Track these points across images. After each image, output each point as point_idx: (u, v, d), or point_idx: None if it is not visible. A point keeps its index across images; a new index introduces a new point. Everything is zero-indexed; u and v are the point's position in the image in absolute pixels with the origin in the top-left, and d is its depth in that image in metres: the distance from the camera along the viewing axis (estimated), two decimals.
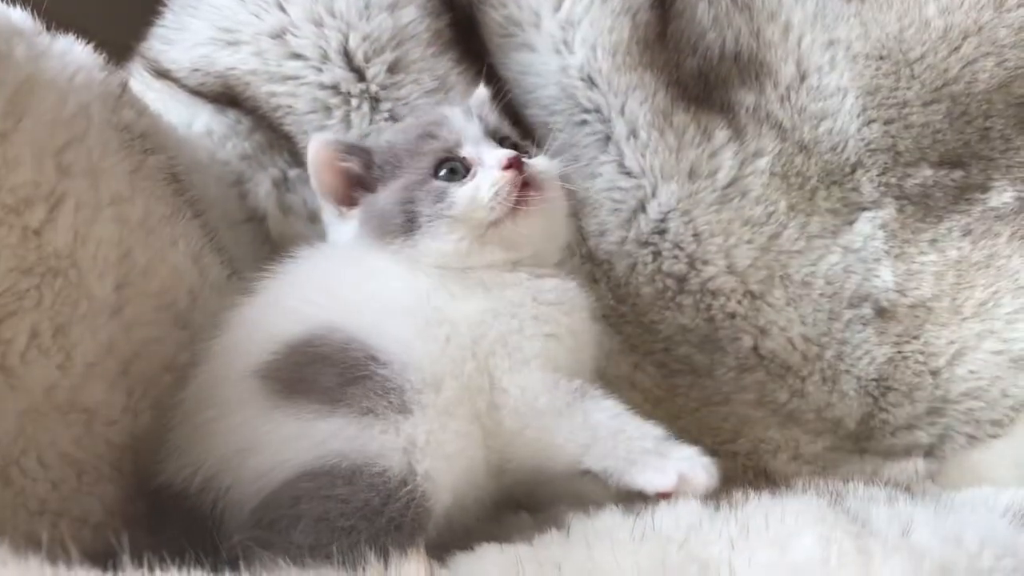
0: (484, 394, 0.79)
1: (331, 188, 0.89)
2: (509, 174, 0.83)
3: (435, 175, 0.85)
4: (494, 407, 0.79)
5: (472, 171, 0.84)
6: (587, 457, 0.78)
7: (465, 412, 0.77)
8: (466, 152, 0.86)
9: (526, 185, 0.83)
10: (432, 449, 0.72)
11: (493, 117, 0.93)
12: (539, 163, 0.87)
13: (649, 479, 0.76)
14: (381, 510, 0.68)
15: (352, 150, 0.89)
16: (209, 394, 0.75)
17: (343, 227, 0.89)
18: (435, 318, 0.79)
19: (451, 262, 0.83)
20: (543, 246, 0.88)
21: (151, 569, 0.55)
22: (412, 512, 0.69)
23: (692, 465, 0.76)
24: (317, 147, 0.88)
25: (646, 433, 0.79)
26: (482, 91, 0.98)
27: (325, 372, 0.72)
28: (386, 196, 0.86)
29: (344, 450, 0.69)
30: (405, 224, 0.83)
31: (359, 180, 0.88)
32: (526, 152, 0.88)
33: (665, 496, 0.75)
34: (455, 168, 0.85)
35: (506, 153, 0.84)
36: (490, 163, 0.84)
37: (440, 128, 0.88)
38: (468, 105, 0.93)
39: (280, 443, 0.70)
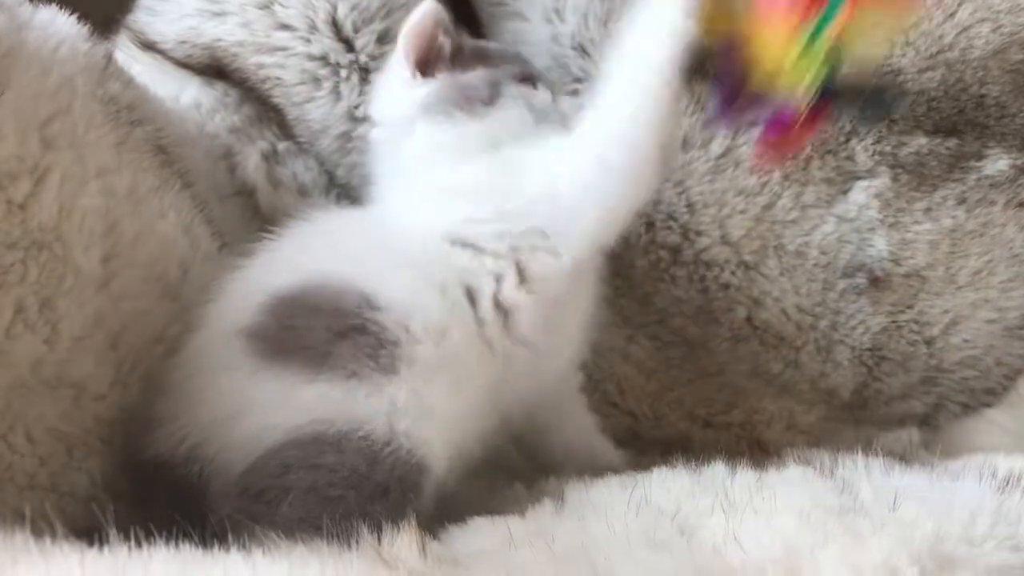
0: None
1: (418, 53, 0.87)
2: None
3: (524, 79, 0.88)
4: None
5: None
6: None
7: (465, 366, 0.75)
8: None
9: None
10: (415, 408, 0.71)
11: None
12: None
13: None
14: (368, 475, 0.67)
15: (453, 33, 0.89)
16: (197, 359, 0.75)
17: (408, 92, 0.87)
18: (442, 263, 0.78)
19: (520, 132, 0.84)
20: None
21: (138, 543, 0.54)
22: (398, 474, 0.68)
23: None
24: (425, 14, 0.86)
25: None
26: None
27: (314, 326, 0.71)
28: (473, 75, 0.87)
29: (330, 416, 0.68)
30: (489, 96, 0.85)
31: (440, 59, 0.88)
32: None
33: None
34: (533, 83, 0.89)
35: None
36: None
37: (526, 63, 0.93)
38: None
39: (265, 408, 0.69)
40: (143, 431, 0.74)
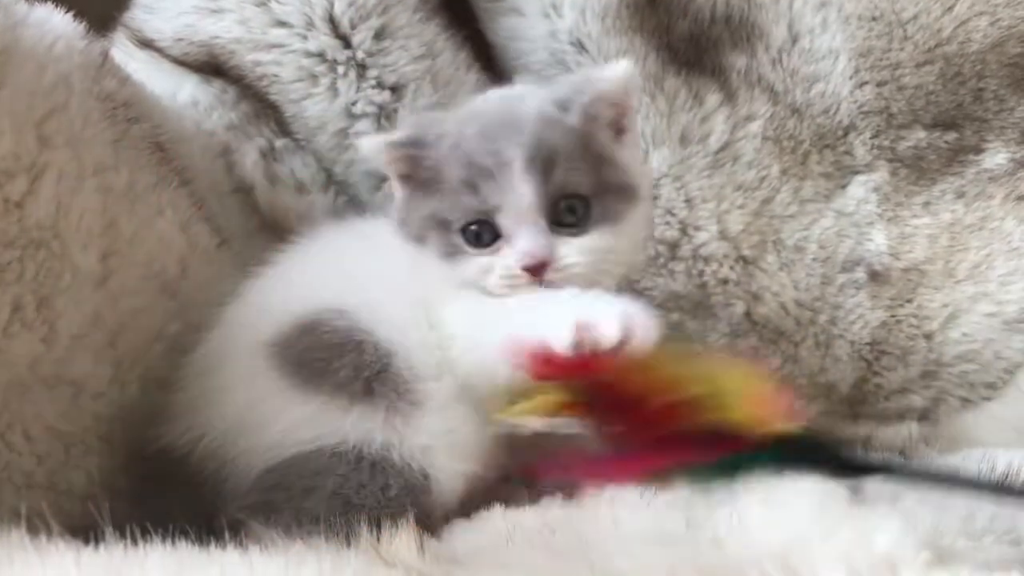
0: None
1: (392, 168, 0.81)
2: (524, 274, 0.74)
3: (462, 229, 0.76)
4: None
5: (499, 242, 0.75)
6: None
7: (469, 398, 0.76)
8: (501, 222, 0.74)
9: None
10: (447, 441, 0.73)
11: (566, 160, 0.75)
12: (573, 255, 0.74)
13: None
14: (395, 499, 0.69)
15: (404, 156, 0.79)
16: (218, 362, 0.75)
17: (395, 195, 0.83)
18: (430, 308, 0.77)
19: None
20: None
21: (135, 541, 0.54)
22: (424, 502, 0.70)
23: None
24: (373, 149, 0.81)
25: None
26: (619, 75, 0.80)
27: (338, 364, 0.71)
28: (415, 205, 0.79)
29: (366, 440, 0.70)
30: (417, 240, 0.78)
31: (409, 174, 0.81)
32: (579, 220, 0.75)
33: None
34: (480, 234, 0.75)
35: (533, 252, 0.73)
36: (516, 249, 0.74)
37: (486, 182, 0.74)
38: (543, 135, 0.75)
39: (295, 422, 0.70)
40: (151, 424, 0.75)
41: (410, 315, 0.76)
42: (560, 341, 0.62)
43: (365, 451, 0.69)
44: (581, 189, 0.75)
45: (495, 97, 0.84)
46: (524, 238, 0.73)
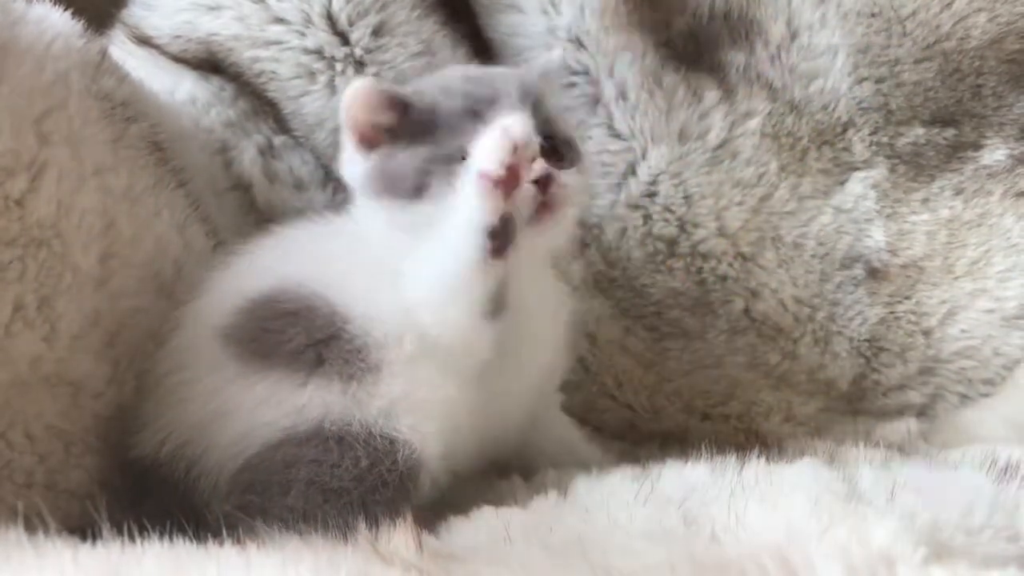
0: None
1: (358, 130, 0.81)
2: (532, 189, 0.75)
3: (463, 158, 0.76)
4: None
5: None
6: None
7: (431, 361, 0.75)
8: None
9: (543, 203, 0.77)
10: (413, 406, 0.72)
11: (552, 99, 0.85)
12: (568, 178, 0.79)
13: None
14: (370, 470, 0.69)
15: (393, 104, 0.81)
16: (178, 359, 0.75)
17: (351, 163, 0.83)
18: (392, 270, 0.77)
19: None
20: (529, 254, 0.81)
21: (132, 538, 0.55)
22: (401, 468, 0.70)
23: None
24: (358, 93, 0.80)
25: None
26: (555, 58, 0.91)
27: (292, 332, 0.72)
28: (405, 157, 0.79)
29: (325, 414, 0.70)
30: (413, 190, 0.78)
31: (380, 135, 0.82)
32: (563, 156, 0.81)
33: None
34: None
35: (540, 167, 0.76)
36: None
37: (488, 108, 0.78)
38: (528, 81, 0.82)
39: (254, 408, 0.70)
40: (130, 431, 0.75)
41: (366, 283, 0.75)
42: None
43: (327, 427, 0.69)
44: (558, 131, 0.82)
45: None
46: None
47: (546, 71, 0.87)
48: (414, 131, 0.80)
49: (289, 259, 0.79)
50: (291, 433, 0.69)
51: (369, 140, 0.82)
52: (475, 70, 0.89)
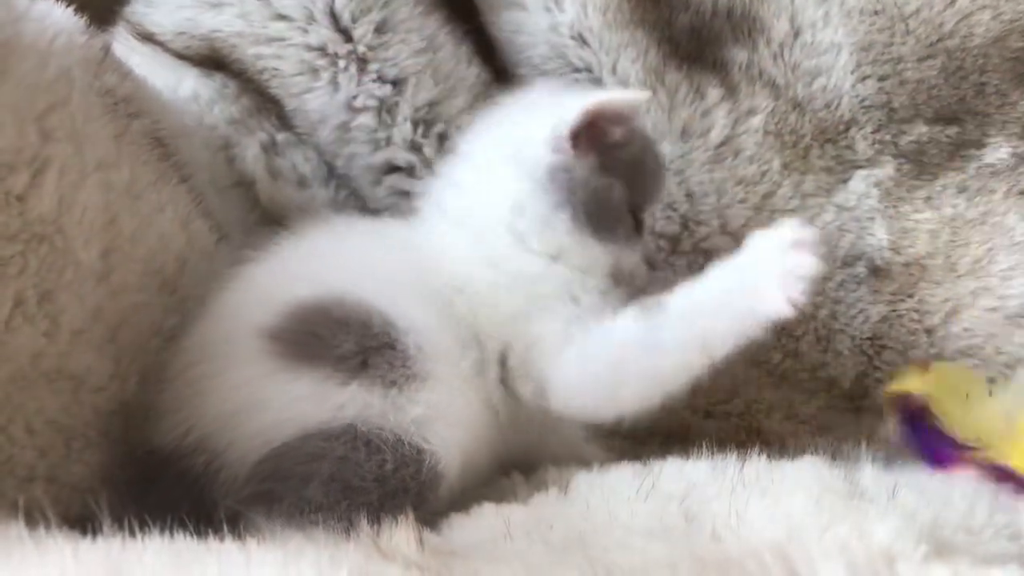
0: (495, 363, 0.80)
1: (584, 124, 0.83)
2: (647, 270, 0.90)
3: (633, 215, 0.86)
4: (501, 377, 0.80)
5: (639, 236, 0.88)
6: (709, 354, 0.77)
7: (474, 384, 0.78)
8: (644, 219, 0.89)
9: None
10: (446, 416, 0.73)
11: None
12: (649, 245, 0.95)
13: (765, 310, 0.74)
14: (393, 474, 0.69)
15: (628, 124, 0.86)
16: (206, 352, 0.75)
17: (537, 144, 0.84)
18: (452, 291, 0.80)
19: (581, 267, 0.83)
20: None
21: (132, 533, 0.55)
22: (423, 477, 0.70)
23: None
24: (618, 99, 0.85)
25: (724, 287, 0.78)
26: None
27: (342, 337, 0.72)
28: (606, 188, 0.84)
29: (361, 416, 0.70)
30: (600, 224, 0.83)
31: (594, 143, 0.84)
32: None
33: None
34: (638, 225, 0.88)
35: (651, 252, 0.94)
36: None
37: (654, 183, 0.91)
38: None
39: (289, 403, 0.70)
40: (145, 422, 0.75)
41: (425, 301, 0.77)
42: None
43: (359, 426, 0.69)
44: None
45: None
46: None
47: None
48: (620, 165, 0.85)
49: (340, 266, 0.79)
50: (323, 428, 0.69)
51: (578, 139, 0.83)
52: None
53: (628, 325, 0.78)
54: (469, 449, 0.76)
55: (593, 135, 0.83)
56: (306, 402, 0.70)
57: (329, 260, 0.80)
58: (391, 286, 0.77)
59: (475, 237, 0.83)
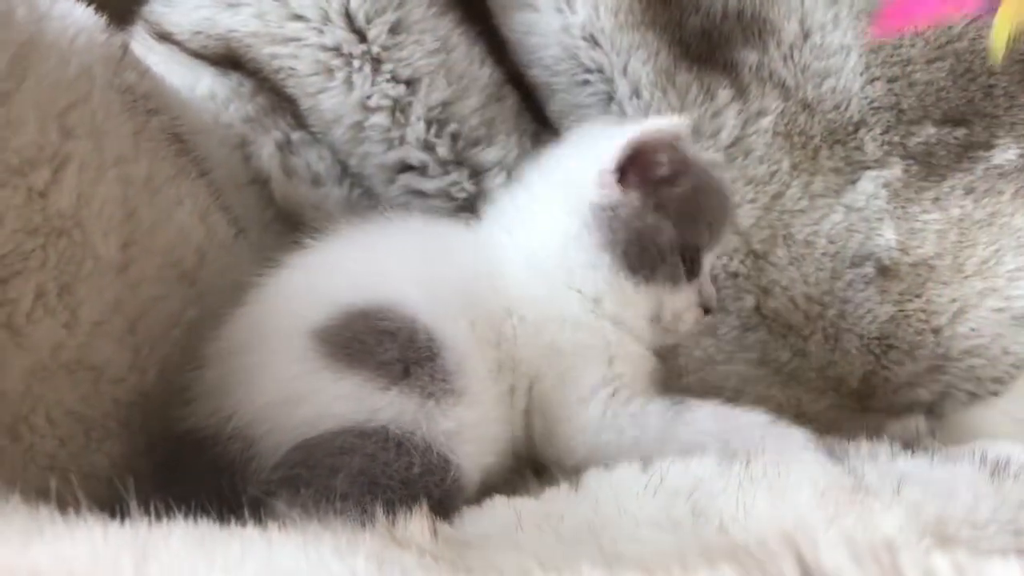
0: (524, 392, 0.83)
1: (633, 159, 0.84)
2: (699, 315, 0.89)
3: (683, 257, 0.86)
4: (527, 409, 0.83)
5: (694, 283, 0.88)
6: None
7: (507, 405, 0.80)
8: (703, 260, 0.88)
9: None
10: (474, 434, 0.75)
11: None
12: (710, 289, 0.90)
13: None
14: (419, 478, 0.70)
15: (675, 155, 0.85)
16: (252, 342, 0.76)
17: (583, 182, 0.85)
18: (502, 311, 0.82)
19: (616, 316, 0.85)
20: None
21: (158, 516, 0.56)
22: (446, 486, 0.72)
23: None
24: (665, 128, 0.84)
25: (754, 422, 0.81)
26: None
27: (388, 347, 0.73)
28: (657, 226, 0.84)
29: (395, 420, 0.71)
30: (651, 268, 0.84)
31: (645, 177, 0.85)
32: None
33: None
34: (694, 268, 0.87)
35: (711, 297, 0.89)
36: (702, 292, 0.89)
37: (714, 223, 0.89)
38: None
39: (330, 401, 0.72)
40: (174, 406, 0.76)
41: (473, 320, 0.79)
42: None
43: (392, 429, 0.71)
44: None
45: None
46: (705, 280, 0.89)
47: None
48: (669, 202, 0.85)
49: (393, 271, 0.80)
50: (356, 427, 0.71)
51: (627, 173, 0.84)
52: (722, 177, 0.95)
53: (656, 410, 0.82)
54: (489, 465, 0.78)
55: (641, 170, 0.84)
56: (345, 401, 0.72)
57: (382, 264, 0.81)
58: (441, 298, 0.78)
59: (533, 266, 0.85)
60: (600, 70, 1.07)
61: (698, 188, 0.86)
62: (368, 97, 1.05)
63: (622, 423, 0.82)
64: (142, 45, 1.07)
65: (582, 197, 0.85)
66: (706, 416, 0.82)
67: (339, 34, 1.04)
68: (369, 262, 0.82)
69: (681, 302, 0.87)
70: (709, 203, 0.88)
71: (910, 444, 1.00)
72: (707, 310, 0.89)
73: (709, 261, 0.90)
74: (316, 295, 0.78)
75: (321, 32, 1.04)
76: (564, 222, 0.85)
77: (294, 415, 0.71)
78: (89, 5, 0.87)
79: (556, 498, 0.74)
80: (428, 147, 1.06)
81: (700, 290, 0.88)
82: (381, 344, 0.73)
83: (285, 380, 0.73)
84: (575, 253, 0.84)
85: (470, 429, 0.74)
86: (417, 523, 0.63)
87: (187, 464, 0.72)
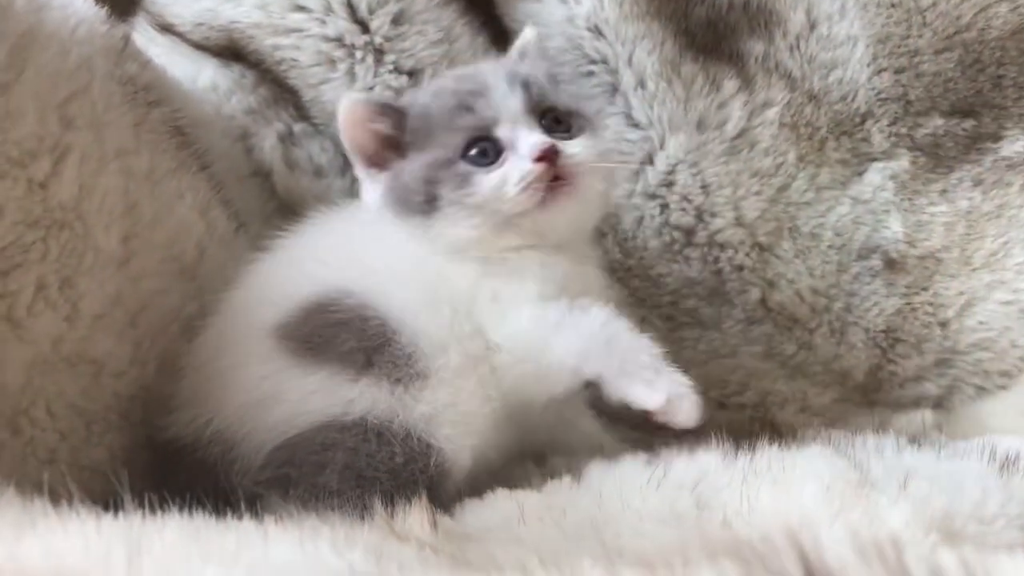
0: (484, 358, 0.79)
1: (361, 149, 0.85)
2: (540, 167, 0.78)
3: (464, 155, 0.80)
4: (493, 369, 0.79)
5: (503, 155, 0.80)
6: (585, 365, 0.77)
7: (473, 375, 0.77)
8: (501, 132, 0.81)
9: (558, 177, 0.79)
10: (451, 416, 0.74)
11: (540, 73, 0.86)
12: (576, 148, 0.81)
13: (639, 392, 0.75)
14: (404, 467, 0.71)
15: (385, 111, 0.84)
16: (222, 347, 0.76)
17: (371, 189, 0.86)
18: (439, 285, 0.79)
19: (465, 249, 0.80)
20: (568, 235, 0.85)
21: (153, 511, 0.56)
22: (432, 472, 0.72)
23: (682, 393, 0.75)
24: (348, 107, 0.84)
25: (641, 346, 0.78)
26: (529, 34, 0.93)
27: (344, 337, 0.73)
28: (411, 169, 0.82)
29: (371, 410, 0.71)
30: (425, 204, 0.80)
31: (392, 142, 0.84)
32: (567, 128, 0.84)
33: (650, 415, 0.75)
34: (486, 150, 0.80)
35: (540, 142, 0.79)
36: (523, 151, 0.79)
37: (478, 99, 0.82)
38: (514, 67, 0.87)
39: (303, 397, 0.72)
40: (161, 413, 0.76)
41: (417, 296, 0.77)
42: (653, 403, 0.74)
43: (370, 420, 0.71)
44: (558, 103, 0.84)
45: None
46: (526, 135, 0.80)
47: (523, 49, 0.92)
48: (415, 137, 0.84)
49: (342, 261, 0.80)
50: (336, 420, 0.71)
51: (376, 161, 0.85)
52: (462, 68, 0.94)
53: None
54: (476, 445, 0.77)
55: (377, 144, 0.85)
56: (318, 396, 0.72)
57: (332, 255, 0.81)
58: (389, 282, 0.77)
59: None
60: (604, 61, 1.06)
61: (421, 112, 0.84)
62: (371, 88, 1.04)
63: (527, 323, 0.79)
64: (144, 36, 1.07)
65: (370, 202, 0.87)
66: (596, 319, 0.79)
67: (341, 25, 1.04)
68: (318, 253, 0.81)
69: (486, 187, 0.79)
70: (439, 109, 0.83)
71: (917, 438, 1.00)
72: (553, 154, 0.79)
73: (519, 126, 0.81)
74: (275, 292, 0.78)
75: (323, 23, 1.04)
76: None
77: (271, 415, 0.71)
78: None
79: (558, 491, 0.74)
80: None
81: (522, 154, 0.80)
82: (338, 336, 0.73)
83: (256, 381, 0.73)
84: (400, 232, 0.82)
85: (445, 411, 0.74)
86: (416, 516, 0.63)
87: (179, 465, 0.73)
